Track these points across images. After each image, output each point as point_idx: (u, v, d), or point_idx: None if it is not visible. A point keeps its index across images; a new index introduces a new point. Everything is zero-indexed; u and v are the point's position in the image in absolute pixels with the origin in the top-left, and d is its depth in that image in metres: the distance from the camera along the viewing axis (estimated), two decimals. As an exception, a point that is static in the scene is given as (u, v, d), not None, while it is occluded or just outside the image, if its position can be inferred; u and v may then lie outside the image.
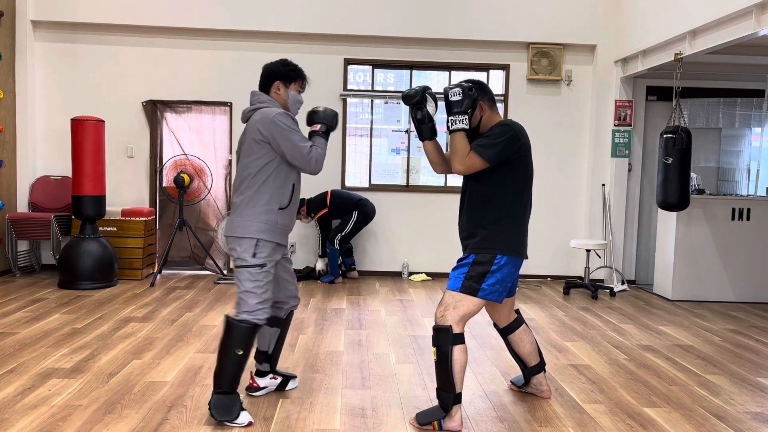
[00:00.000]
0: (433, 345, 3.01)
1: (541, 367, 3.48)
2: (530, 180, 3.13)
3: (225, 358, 3.02)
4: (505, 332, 3.45)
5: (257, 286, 3.04)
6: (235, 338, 3.00)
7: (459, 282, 3.03)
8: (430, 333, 4.83)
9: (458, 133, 3.00)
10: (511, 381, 3.68)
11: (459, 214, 3.24)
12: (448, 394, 3.00)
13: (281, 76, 3.21)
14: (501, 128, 3.03)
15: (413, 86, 3.08)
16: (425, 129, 3.14)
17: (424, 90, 3.08)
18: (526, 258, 3.16)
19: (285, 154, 3.06)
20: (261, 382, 3.45)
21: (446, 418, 3.03)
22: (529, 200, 3.14)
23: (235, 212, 3.11)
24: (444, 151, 3.31)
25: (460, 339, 2.98)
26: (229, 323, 3.03)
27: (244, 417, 3.03)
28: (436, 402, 3.25)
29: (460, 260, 3.11)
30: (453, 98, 2.99)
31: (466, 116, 2.99)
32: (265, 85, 3.24)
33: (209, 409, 3.03)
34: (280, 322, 3.43)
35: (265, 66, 3.27)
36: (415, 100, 3.07)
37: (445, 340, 2.96)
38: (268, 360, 3.45)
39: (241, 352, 3.00)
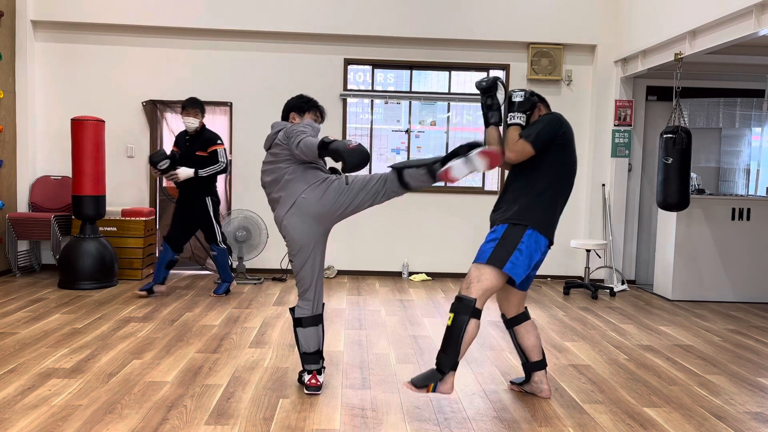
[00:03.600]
0: (451, 311, 3.14)
1: (542, 364, 3.50)
2: (569, 170, 3.33)
3: None
4: (512, 323, 3.50)
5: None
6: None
7: (487, 254, 3.18)
8: (431, 333, 4.84)
9: (514, 126, 3.30)
10: (511, 381, 3.68)
11: (497, 200, 3.44)
12: (449, 359, 3.12)
13: (296, 108, 3.56)
14: (546, 117, 3.33)
15: (488, 76, 3.47)
16: (493, 114, 3.37)
17: (496, 80, 3.34)
18: (552, 243, 3.30)
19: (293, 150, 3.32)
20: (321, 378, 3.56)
21: (441, 381, 3.13)
22: (566, 189, 3.33)
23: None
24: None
25: (478, 314, 3.12)
26: None
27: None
28: (435, 402, 3.25)
29: (489, 234, 3.28)
30: (516, 99, 3.31)
31: (524, 115, 3.30)
32: (284, 117, 3.62)
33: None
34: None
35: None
36: (488, 87, 3.33)
37: (465, 310, 3.10)
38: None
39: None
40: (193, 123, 5.75)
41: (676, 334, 5.09)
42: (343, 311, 5.53)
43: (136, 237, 6.58)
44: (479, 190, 7.49)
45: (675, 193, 5.66)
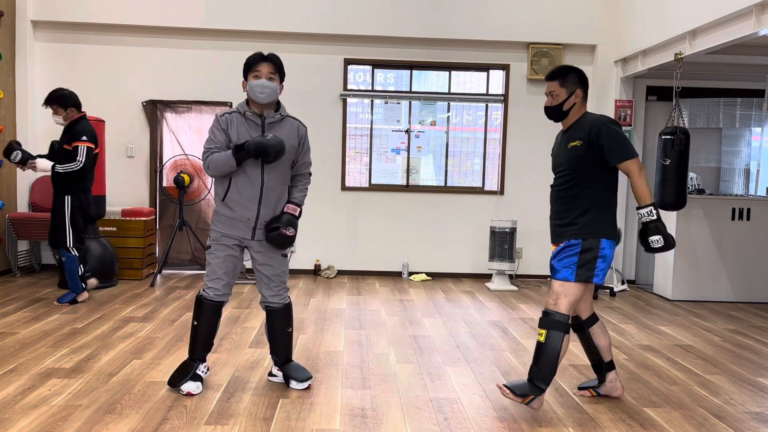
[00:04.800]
0: (544, 328, 3.15)
1: (612, 365, 3.48)
2: (614, 168, 3.29)
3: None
4: (588, 324, 3.45)
5: (208, 265, 3.44)
6: (193, 310, 3.47)
7: (571, 272, 3.17)
8: (431, 333, 4.84)
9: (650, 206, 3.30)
10: (579, 387, 3.61)
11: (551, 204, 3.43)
12: (547, 375, 3.15)
13: (243, 75, 3.44)
14: (613, 128, 3.19)
15: None
16: None
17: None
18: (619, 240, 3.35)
19: None
20: (274, 370, 3.68)
21: (538, 397, 3.18)
22: (616, 186, 3.37)
23: None
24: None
25: (569, 329, 3.18)
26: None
27: (187, 386, 3.39)
28: (435, 402, 3.24)
29: (563, 249, 3.23)
30: (656, 246, 3.26)
31: (655, 215, 3.27)
32: None
33: None
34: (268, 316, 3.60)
35: None
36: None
37: (560, 327, 3.13)
38: (272, 352, 3.63)
39: (195, 323, 3.44)
40: (56, 118, 5.38)
41: (676, 334, 5.09)
42: (343, 311, 5.54)
43: (137, 237, 6.58)
44: (479, 190, 7.49)
45: (672, 193, 5.66)
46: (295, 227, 3.39)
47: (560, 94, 3.26)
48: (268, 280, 3.49)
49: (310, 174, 3.59)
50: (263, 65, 3.35)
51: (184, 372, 3.44)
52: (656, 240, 3.21)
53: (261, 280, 3.51)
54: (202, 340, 3.47)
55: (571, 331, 3.30)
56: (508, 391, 3.18)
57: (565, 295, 3.16)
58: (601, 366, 3.47)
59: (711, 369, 4.16)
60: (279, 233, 3.33)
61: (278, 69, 3.39)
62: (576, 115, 3.28)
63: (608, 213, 3.27)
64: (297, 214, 3.43)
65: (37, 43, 7.00)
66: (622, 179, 4.04)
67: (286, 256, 3.53)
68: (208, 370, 3.58)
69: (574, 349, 4.49)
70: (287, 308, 3.56)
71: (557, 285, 3.19)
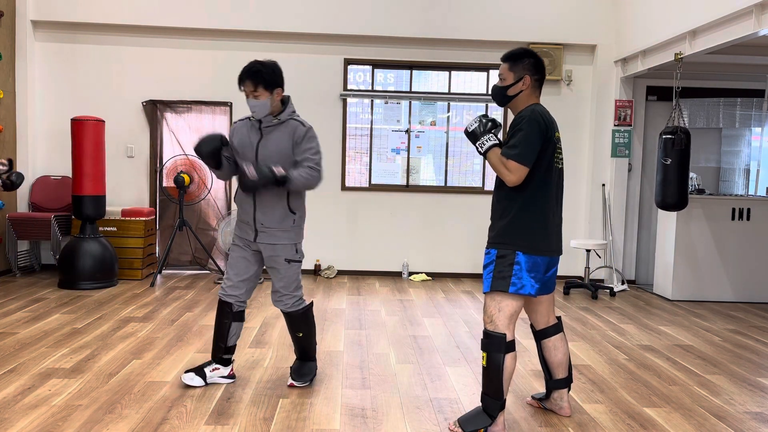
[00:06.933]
0: (484, 350, 2.91)
1: (567, 382, 3.25)
2: (548, 172, 2.92)
3: None
4: (540, 336, 3.23)
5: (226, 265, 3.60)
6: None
7: (489, 281, 2.93)
8: (430, 333, 4.84)
9: (491, 150, 2.92)
10: (532, 396, 3.47)
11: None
12: (496, 401, 2.91)
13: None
14: (524, 123, 2.86)
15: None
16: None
17: (482, 119, 3.02)
18: (550, 254, 2.95)
19: None
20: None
21: (492, 424, 2.94)
22: (549, 194, 2.94)
23: None
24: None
25: (512, 346, 2.90)
26: None
27: (186, 375, 3.53)
28: (435, 402, 3.24)
29: (485, 257, 3.00)
30: (471, 128, 2.99)
31: (492, 135, 2.95)
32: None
33: None
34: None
35: None
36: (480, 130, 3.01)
37: (498, 347, 2.87)
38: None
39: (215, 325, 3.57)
40: None
41: (676, 334, 5.09)
42: (343, 311, 5.53)
43: (136, 237, 6.58)
44: (479, 190, 7.49)
45: (673, 193, 5.66)
46: (263, 177, 3.21)
47: (507, 78, 2.98)
48: (273, 283, 3.52)
49: (313, 168, 3.35)
50: (246, 84, 3.35)
51: (199, 364, 3.65)
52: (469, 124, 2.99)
53: (272, 282, 3.56)
54: (215, 338, 3.58)
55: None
56: (457, 429, 2.97)
57: (499, 310, 2.89)
58: (549, 382, 3.26)
59: (711, 369, 4.16)
60: (242, 168, 3.27)
61: (264, 83, 3.31)
62: (522, 105, 2.97)
63: (526, 222, 2.89)
64: (277, 172, 3.24)
65: (37, 43, 7.00)
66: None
67: (289, 262, 3.44)
68: (217, 372, 3.59)
69: (573, 348, 4.49)
70: (290, 316, 3.55)
71: (487, 299, 2.94)
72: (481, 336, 2.95)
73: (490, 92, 3.13)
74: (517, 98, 2.99)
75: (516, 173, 2.82)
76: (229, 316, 3.49)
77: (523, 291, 2.90)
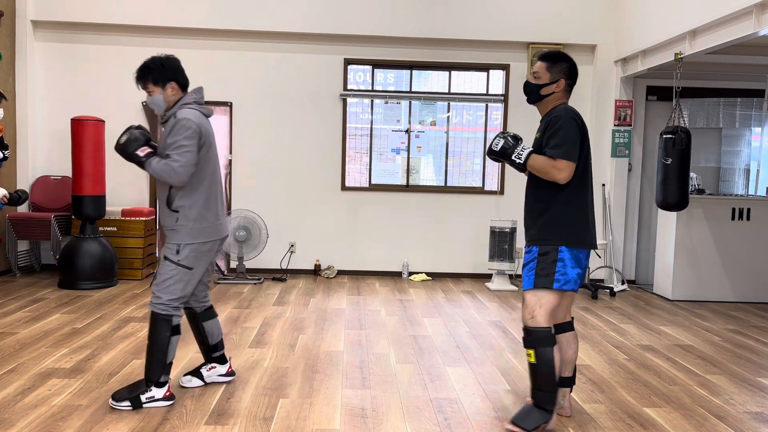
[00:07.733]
0: (530, 347, 2.94)
1: (570, 382, 3.26)
2: (585, 168, 3.04)
3: None
4: (557, 331, 3.20)
5: None
6: None
7: (531, 279, 2.99)
8: (430, 333, 4.84)
9: (530, 157, 2.99)
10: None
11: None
12: (551, 395, 2.95)
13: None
14: (561, 122, 2.95)
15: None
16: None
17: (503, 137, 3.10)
18: (592, 247, 3.07)
19: None
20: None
21: (550, 420, 2.98)
22: (587, 188, 3.08)
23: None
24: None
25: (554, 339, 2.96)
26: None
27: (185, 377, 3.55)
28: (435, 402, 3.23)
29: (526, 256, 3.07)
30: (498, 147, 3.06)
31: (521, 144, 3.04)
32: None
33: None
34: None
35: None
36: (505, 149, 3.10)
37: (545, 341, 2.92)
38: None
39: None
40: None
41: (676, 334, 5.09)
42: (343, 311, 5.53)
43: (136, 237, 6.58)
44: (479, 190, 7.49)
45: (674, 193, 5.66)
46: (128, 147, 3.19)
47: (542, 77, 3.06)
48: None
49: (170, 162, 3.15)
50: (136, 81, 3.40)
51: (195, 367, 3.67)
52: (495, 143, 3.08)
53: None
54: (197, 342, 3.63)
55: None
56: (515, 428, 2.96)
57: (540, 305, 2.95)
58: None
59: (711, 369, 4.16)
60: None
61: (153, 79, 3.35)
62: (551, 105, 3.07)
63: (569, 216, 3.00)
64: (140, 152, 3.20)
65: (37, 43, 7.00)
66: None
67: (165, 259, 3.24)
68: (215, 371, 3.59)
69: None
70: (151, 316, 3.24)
71: (529, 295, 2.99)
72: (522, 334, 3.01)
73: (522, 87, 3.16)
74: (549, 98, 3.08)
75: (566, 170, 2.92)
76: (194, 319, 3.56)
77: (567, 287, 2.97)
